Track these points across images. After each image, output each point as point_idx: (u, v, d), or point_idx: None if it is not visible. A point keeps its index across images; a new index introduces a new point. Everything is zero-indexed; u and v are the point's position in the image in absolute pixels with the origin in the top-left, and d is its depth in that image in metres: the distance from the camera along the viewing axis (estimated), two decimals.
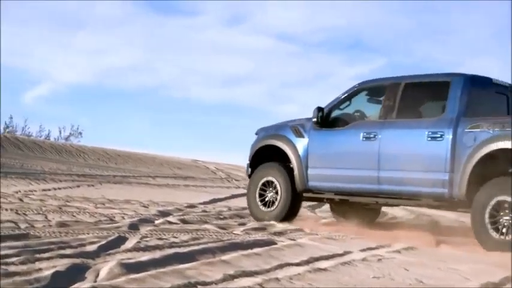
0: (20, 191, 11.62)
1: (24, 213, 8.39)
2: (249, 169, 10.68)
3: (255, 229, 8.78)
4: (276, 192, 10.16)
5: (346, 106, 10.02)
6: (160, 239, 7.06)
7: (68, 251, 5.78)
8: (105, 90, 42.51)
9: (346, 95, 9.99)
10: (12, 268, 4.94)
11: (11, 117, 31.10)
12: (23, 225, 7.23)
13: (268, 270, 5.67)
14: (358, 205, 10.19)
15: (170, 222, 8.72)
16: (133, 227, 7.74)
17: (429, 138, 8.79)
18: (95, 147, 29.29)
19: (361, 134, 9.40)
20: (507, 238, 7.96)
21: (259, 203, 10.30)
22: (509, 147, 8.09)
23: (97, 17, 40.67)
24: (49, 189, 12.67)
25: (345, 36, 41.36)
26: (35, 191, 12.09)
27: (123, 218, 8.74)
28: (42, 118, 48.71)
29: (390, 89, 9.49)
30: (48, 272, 4.80)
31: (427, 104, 9.55)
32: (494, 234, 8.08)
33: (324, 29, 40.57)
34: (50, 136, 31.75)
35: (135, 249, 6.24)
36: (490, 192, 8.20)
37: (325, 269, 6.01)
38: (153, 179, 20.17)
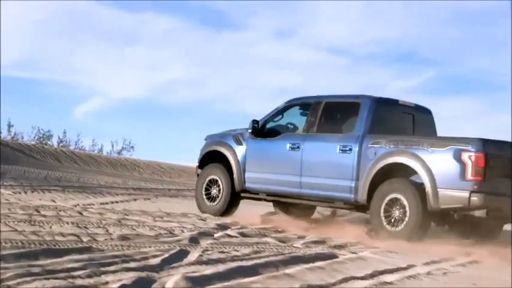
0: (78, 205, 11.72)
1: (85, 227, 8.43)
2: (199, 170, 12.31)
3: (315, 242, 8.71)
4: (219, 191, 11.76)
5: (279, 119, 11.50)
6: (221, 252, 7.05)
7: (132, 264, 5.78)
8: (156, 104, 42.80)
9: (277, 110, 11.48)
10: (79, 281, 4.95)
11: (65, 132, 31.52)
12: (85, 239, 7.27)
13: (333, 284, 5.60)
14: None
15: (229, 236, 8.69)
16: (194, 240, 7.73)
17: (340, 151, 10.21)
18: (149, 161, 29.60)
19: (288, 144, 10.90)
20: (397, 229, 9.30)
21: (204, 198, 11.99)
22: (400, 161, 9.55)
23: (147, 33, 41.02)
24: (106, 203, 12.75)
25: (395, 49, 40.93)
26: (93, 204, 12.18)
27: (182, 231, 8.74)
28: (93, 132, 49.04)
29: (313, 106, 10.91)
30: (115, 286, 4.80)
31: (343, 121, 10.84)
32: (387, 226, 9.45)
33: (374, 42, 40.27)
34: (102, 150, 32.11)
35: (198, 262, 6.22)
36: (385, 190, 9.58)
37: (390, 283, 5.92)
38: None
